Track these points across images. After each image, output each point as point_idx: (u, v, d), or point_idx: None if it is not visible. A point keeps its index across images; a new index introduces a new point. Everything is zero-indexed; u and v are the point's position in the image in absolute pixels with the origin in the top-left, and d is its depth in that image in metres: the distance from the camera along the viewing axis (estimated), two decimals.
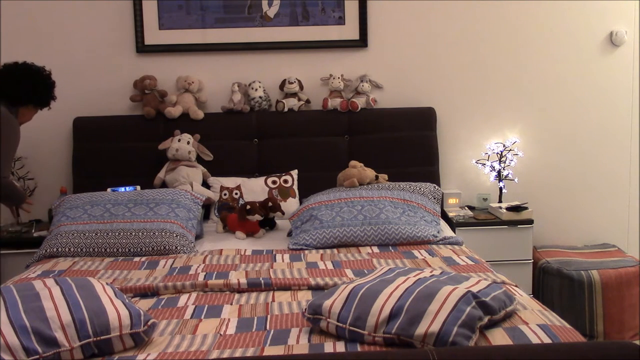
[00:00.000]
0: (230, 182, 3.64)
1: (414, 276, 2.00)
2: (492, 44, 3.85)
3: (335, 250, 2.95)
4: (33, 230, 3.45)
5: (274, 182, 3.63)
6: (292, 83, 3.76)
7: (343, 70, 3.82)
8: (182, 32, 3.78)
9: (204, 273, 2.58)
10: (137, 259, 2.91)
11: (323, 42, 3.80)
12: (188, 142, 3.62)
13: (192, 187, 3.52)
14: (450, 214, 3.64)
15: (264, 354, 1.80)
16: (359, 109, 3.75)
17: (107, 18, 3.76)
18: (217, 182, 3.65)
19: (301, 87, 3.79)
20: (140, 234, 2.99)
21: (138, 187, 3.50)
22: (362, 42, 3.81)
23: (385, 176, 3.53)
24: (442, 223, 3.45)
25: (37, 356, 1.70)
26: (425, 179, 3.60)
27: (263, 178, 3.66)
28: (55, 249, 2.95)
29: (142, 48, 3.77)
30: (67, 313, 1.80)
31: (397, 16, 3.81)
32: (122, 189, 3.44)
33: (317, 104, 3.82)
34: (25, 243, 3.40)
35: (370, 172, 3.46)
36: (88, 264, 2.82)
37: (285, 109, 3.77)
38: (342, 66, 3.83)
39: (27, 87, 3.02)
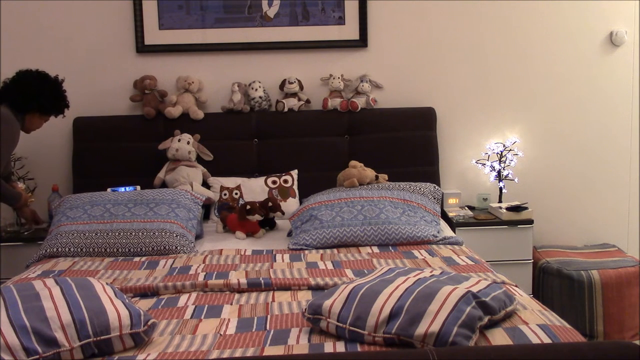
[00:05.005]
0: (230, 182, 3.64)
1: (414, 276, 2.00)
2: (492, 44, 3.85)
3: (335, 250, 2.95)
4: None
5: (274, 182, 3.63)
6: (292, 83, 3.76)
7: (343, 70, 3.82)
8: (182, 32, 3.78)
9: (204, 273, 2.58)
10: (137, 259, 2.91)
11: (323, 42, 3.80)
12: (188, 142, 3.62)
13: (192, 187, 3.52)
14: (450, 214, 3.64)
15: (264, 354, 1.80)
16: (359, 109, 3.75)
17: (107, 18, 3.76)
18: (217, 182, 3.65)
19: (301, 87, 3.79)
20: (140, 234, 2.99)
21: (138, 187, 3.50)
22: (362, 42, 3.81)
23: (385, 176, 3.53)
24: (442, 223, 3.45)
25: (37, 356, 1.70)
26: (425, 179, 3.61)
27: (263, 178, 3.66)
28: (55, 249, 2.95)
29: (142, 48, 3.77)
30: (67, 313, 1.80)
31: (397, 16, 3.81)
32: (122, 189, 3.44)
33: (317, 104, 3.82)
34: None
35: (370, 172, 3.46)
36: (88, 264, 2.82)
37: (285, 109, 3.77)
38: (342, 66, 3.83)
39: (32, 95, 3.05)
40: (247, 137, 3.77)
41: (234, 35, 3.79)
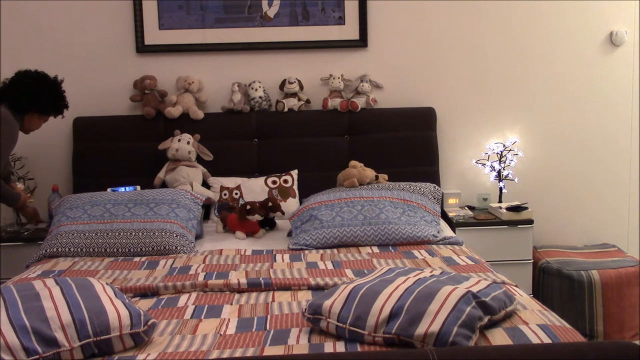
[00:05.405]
0: (230, 182, 3.64)
1: (414, 276, 2.00)
2: (492, 44, 3.85)
3: (335, 250, 2.95)
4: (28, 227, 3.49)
5: (274, 182, 3.63)
6: (292, 83, 3.76)
7: (343, 70, 3.82)
8: (182, 32, 3.78)
9: (204, 273, 2.58)
10: (137, 259, 2.91)
11: (323, 42, 3.80)
12: (188, 142, 3.62)
13: (192, 187, 3.52)
14: (450, 214, 3.64)
15: (264, 354, 1.80)
16: (359, 109, 3.75)
17: (107, 18, 3.76)
18: (217, 182, 3.65)
19: (301, 87, 3.79)
20: (140, 234, 2.99)
21: (138, 187, 3.50)
22: (362, 42, 3.81)
23: (385, 176, 3.53)
24: (442, 223, 3.45)
25: (37, 356, 1.70)
26: (425, 179, 3.61)
27: (263, 178, 3.66)
28: (55, 249, 2.95)
29: (142, 48, 3.77)
30: (67, 313, 1.80)
31: (397, 16, 3.81)
32: (122, 189, 3.44)
33: (317, 104, 3.82)
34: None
35: (370, 172, 3.46)
36: (88, 264, 2.82)
37: (285, 109, 3.77)
38: (342, 66, 3.83)
39: (31, 95, 3.05)
40: (247, 137, 3.77)
41: (234, 35, 3.79)
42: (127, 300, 1.98)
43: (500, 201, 3.77)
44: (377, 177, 3.47)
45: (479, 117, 3.89)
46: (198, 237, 3.27)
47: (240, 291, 2.40)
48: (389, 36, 3.83)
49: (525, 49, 3.86)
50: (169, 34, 3.78)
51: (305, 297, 2.30)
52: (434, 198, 3.38)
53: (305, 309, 1.97)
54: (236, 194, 3.58)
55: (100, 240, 2.97)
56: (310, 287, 2.39)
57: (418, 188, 3.38)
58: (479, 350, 1.62)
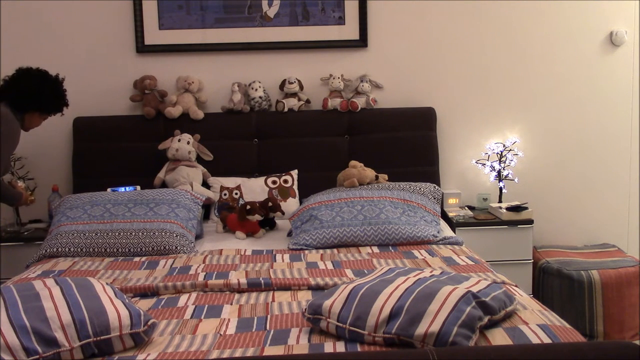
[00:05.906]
0: (230, 182, 3.64)
1: (414, 276, 2.00)
2: (492, 44, 3.85)
3: (335, 250, 2.95)
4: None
5: (274, 182, 3.63)
6: (292, 83, 3.76)
7: (343, 70, 3.82)
8: (182, 32, 3.78)
9: (204, 273, 2.58)
10: (137, 259, 2.91)
11: (323, 42, 3.80)
12: (188, 142, 3.62)
13: (192, 187, 3.52)
14: (450, 214, 3.64)
15: (264, 354, 1.80)
16: (359, 109, 3.75)
17: (107, 18, 3.76)
18: (217, 182, 3.65)
19: (301, 87, 3.79)
20: (140, 234, 2.99)
21: (138, 187, 3.50)
22: (362, 42, 3.81)
23: (385, 176, 3.53)
24: (442, 223, 3.45)
25: (37, 356, 1.70)
26: (425, 179, 3.61)
27: (263, 178, 3.66)
28: (55, 249, 2.95)
29: (142, 48, 3.77)
30: (67, 313, 1.80)
31: (397, 16, 3.82)
32: (122, 189, 3.44)
33: (317, 104, 3.82)
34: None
35: (370, 172, 3.46)
36: (88, 264, 2.82)
37: (285, 109, 3.77)
38: (342, 66, 3.83)
39: (32, 94, 3.02)
40: (247, 137, 3.77)
41: (234, 35, 3.79)
42: (127, 300, 1.98)
43: (500, 201, 3.77)
44: (377, 177, 3.47)
45: (479, 117, 3.89)
46: (198, 237, 3.27)
47: (240, 291, 2.40)
48: (389, 36, 3.83)
49: (525, 49, 3.86)
50: (169, 34, 3.78)
51: (305, 297, 2.30)
52: (434, 198, 3.38)
53: (305, 309, 1.97)
54: (236, 194, 3.58)
55: (100, 240, 2.97)
56: (310, 287, 2.39)
57: (418, 188, 3.39)
58: (479, 350, 1.62)
